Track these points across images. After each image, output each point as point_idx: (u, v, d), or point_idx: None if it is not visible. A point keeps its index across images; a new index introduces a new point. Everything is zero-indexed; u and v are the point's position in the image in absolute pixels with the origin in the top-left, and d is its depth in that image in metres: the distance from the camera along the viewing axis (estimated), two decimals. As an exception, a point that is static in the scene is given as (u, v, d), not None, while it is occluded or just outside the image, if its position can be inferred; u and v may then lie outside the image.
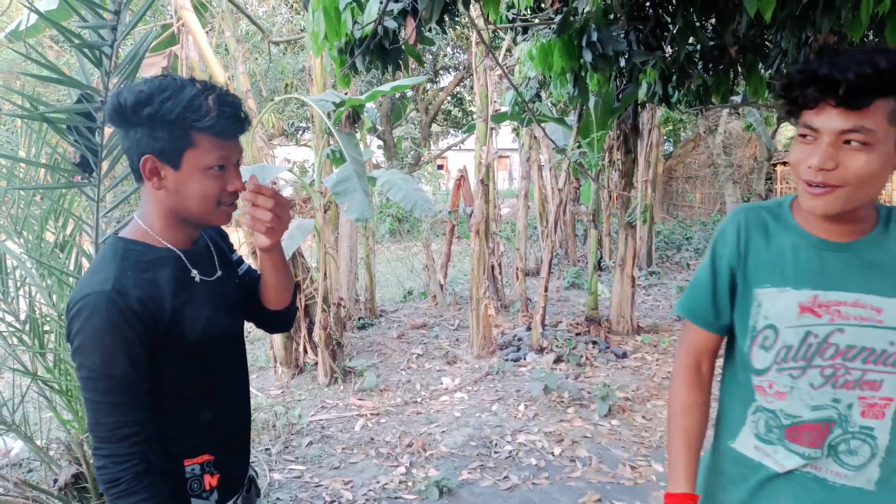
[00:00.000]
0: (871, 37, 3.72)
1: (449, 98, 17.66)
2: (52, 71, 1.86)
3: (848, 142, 1.05)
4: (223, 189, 1.24)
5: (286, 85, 13.64)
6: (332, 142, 5.29)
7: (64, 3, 1.91)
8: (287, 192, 6.14)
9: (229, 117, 1.19)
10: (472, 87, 16.64)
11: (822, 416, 1.18)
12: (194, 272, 1.30)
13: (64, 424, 2.51)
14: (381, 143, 16.10)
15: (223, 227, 1.51)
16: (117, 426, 1.15)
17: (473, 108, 18.57)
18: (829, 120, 1.05)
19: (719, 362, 1.38)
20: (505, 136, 14.79)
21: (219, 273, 1.37)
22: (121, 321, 1.14)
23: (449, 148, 18.81)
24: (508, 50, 7.85)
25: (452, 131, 20.84)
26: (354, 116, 5.33)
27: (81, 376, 1.17)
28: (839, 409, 1.17)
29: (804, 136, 1.10)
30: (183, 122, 1.16)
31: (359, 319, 7.09)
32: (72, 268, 2.52)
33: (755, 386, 1.25)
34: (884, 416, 1.16)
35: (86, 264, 2.59)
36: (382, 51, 2.36)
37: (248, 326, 1.57)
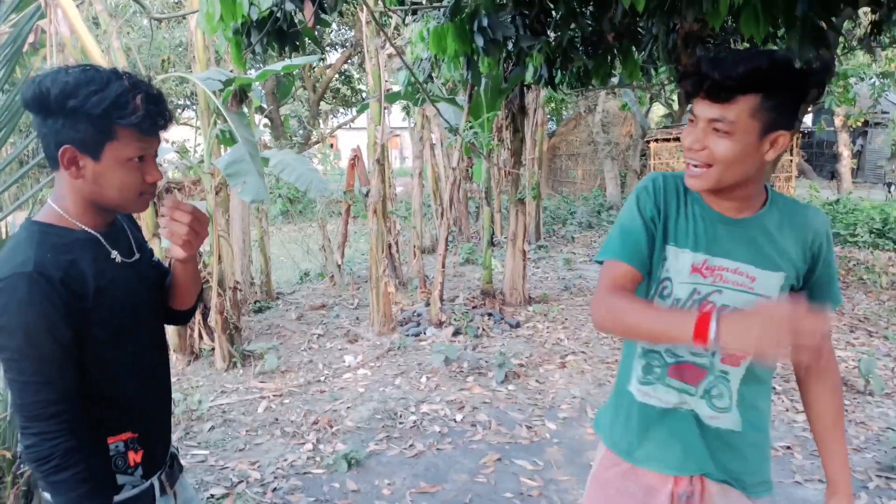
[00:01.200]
0: (730, 23, 4.11)
1: (337, 75, 17.41)
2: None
3: (716, 129, 1.23)
4: (142, 180, 1.26)
5: (163, 60, 12.95)
6: (220, 121, 5.16)
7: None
8: (173, 174, 5.91)
9: (154, 115, 1.22)
10: (360, 65, 16.49)
11: (698, 362, 1.37)
12: (114, 253, 1.32)
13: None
14: (267, 121, 15.66)
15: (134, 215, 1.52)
16: (45, 405, 1.17)
17: (363, 87, 18.43)
18: (702, 109, 1.25)
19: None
20: (396, 115, 14.83)
21: (136, 255, 1.39)
22: (44, 301, 1.15)
23: (339, 126, 18.58)
24: (396, 28, 7.90)
25: (342, 109, 20.57)
26: (242, 95, 5.21)
27: (5, 357, 1.17)
28: (708, 356, 1.36)
29: (691, 120, 1.29)
30: (107, 116, 1.17)
31: (255, 303, 6.98)
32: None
33: None
34: (739, 364, 1.36)
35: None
36: (280, 33, 2.38)
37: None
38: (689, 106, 1.31)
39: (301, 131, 16.97)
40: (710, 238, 1.35)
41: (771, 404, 1.50)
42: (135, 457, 1.34)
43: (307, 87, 16.61)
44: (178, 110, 15.45)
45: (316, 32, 2.49)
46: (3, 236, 2.40)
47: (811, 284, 1.39)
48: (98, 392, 1.28)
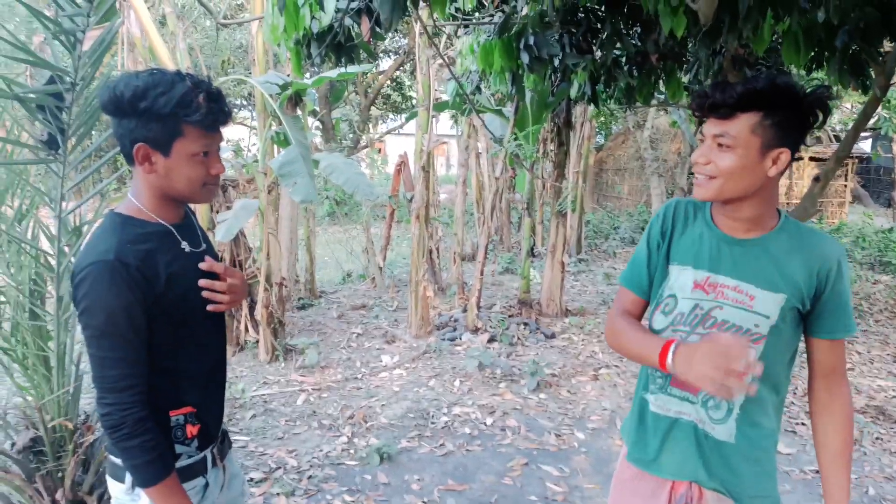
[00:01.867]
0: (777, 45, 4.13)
1: (388, 82, 17.71)
2: (27, 53, 1.97)
3: (720, 144, 1.35)
4: (207, 172, 1.40)
5: (223, 62, 13.41)
6: (275, 124, 5.39)
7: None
8: (229, 172, 6.17)
9: (216, 112, 1.35)
10: (412, 73, 16.74)
11: None
12: (184, 244, 1.45)
13: (21, 391, 2.61)
14: (319, 124, 16.04)
15: (193, 209, 1.68)
16: (121, 378, 1.30)
17: (413, 94, 18.68)
18: (708, 127, 1.37)
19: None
20: (443, 122, 15.01)
21: (203, 246, 1.53)
22: (122, 286, 1.29)
23: (388, 132, 18.85)
24: (448, 38, 8.07)
25: (391, 115, 20.89)
26: (297, 99, 5.44)
27: (87, 335, 1.31)
28: None
29: (701, 140, 1.42)
30: (175, 115, 1.29)
31: (299, 300, 7.21)
32: (30, 238, 2.61)
33: None
34: (741, 379, 1.40)
35: (42, 237, 2.68)
36: (338, 45, 2.54)
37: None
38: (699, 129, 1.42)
39: (351, 135, 17.30)
40: (713, 256, 1.44)
41: (780, 424, 1.53)
42: (192, 430, 1.47)
43: (359, 91, 16.94)
44: (235, 110, 15.96)
45: (370, 44, 2.66)
46: (78, 224, 2.62)
47: (818, 311, 1.42)
48: (164, 369, 1.41)
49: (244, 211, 4.87)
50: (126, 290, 1.29)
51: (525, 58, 3.03)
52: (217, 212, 5.29)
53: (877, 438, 3.99)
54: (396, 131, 18.01)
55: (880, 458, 3.74)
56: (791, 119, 1.32)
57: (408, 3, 1.91)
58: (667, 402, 1.50)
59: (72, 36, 1.95)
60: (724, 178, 1.35)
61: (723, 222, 1.46)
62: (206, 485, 1.51)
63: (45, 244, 2.67)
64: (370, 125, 19.45)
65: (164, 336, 1.40)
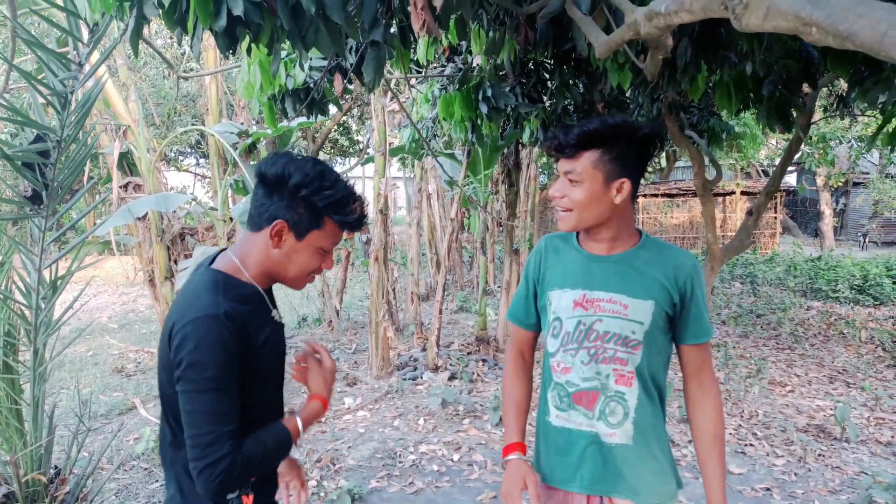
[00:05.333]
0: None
1: (336, 127, 17.92)
2: (17, 114, 2.04)
3: (571, 180, 1.53)
4: (319, 266, 1.44)
5: (168, 110, 13.37)
6: (234, 171, 5.47)
7: (38, 57, 2.09)
8: (187, 220, 6.18)
9: (360, 221, 1.42)
10: (359, 117, 16.98)
11: (591, 386, 1.59)
12: (275, 311, 1.47)
13: (-6, 447, 2.58)
14: (267, 170, 16.00)
15: None
16: (222, 432, 1.27)
17: (360, 138, 18.89)
18: (560, 165, 1.55)
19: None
20: (392, 166, 15.21)
21: (283, 318, 1.54)
22: (230, 342, 1.28)
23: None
24: (397, 85, 8.33)
25: (339, 159, 21.05)
26: (251, 147, 5.55)
27: (190, 390, 1.27)
28: (601, 379, 1.58)
29: (557, 177, 1.63)
30: (326, 210, 1.35)
31: (255, 346, 7.15)
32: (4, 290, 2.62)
33: (550, 366, 1.66)
34: (631, 384, 1.58)
35: (14, 290, 2.68)
36: (312, 101, 2.70)
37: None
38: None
39: (299, 180, 17.33)
40: (585, 275, 1.61)
41: (665, 423, 1.68)
42: (247, 500, 1.42)
43: (307, 137, 17.07)
44: (180, 157, 15.84)
45: (341, 98, 2.82)
46: (54, 277, 2.64)
47: (683, 317, 1.58)
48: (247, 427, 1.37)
49: (205, 258, 4.89)
50: (233, 345, 1.29)
51: (484, 108, 3.25)
52: (175, 260, 5.29)
53: (819, 455, 4.26)
54: (345, 175, 18.14)
55: (823, 474, 3.99)
56: (627, 153, 1.50)
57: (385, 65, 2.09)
58: (576, 416, 1.61)
59: (62, 97, 2.04)
60: (577, 210, 1.53)
61: (588, 244, 1.64)
62: None
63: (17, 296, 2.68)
64: (318, 169, 19.49)
65: (245, 400, 1.37)
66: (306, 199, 1.33)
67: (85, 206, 6.63)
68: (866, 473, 3.95)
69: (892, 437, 4.56)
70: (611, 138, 1.48)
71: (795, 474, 3.98)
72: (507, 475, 1.60)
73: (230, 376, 1.29)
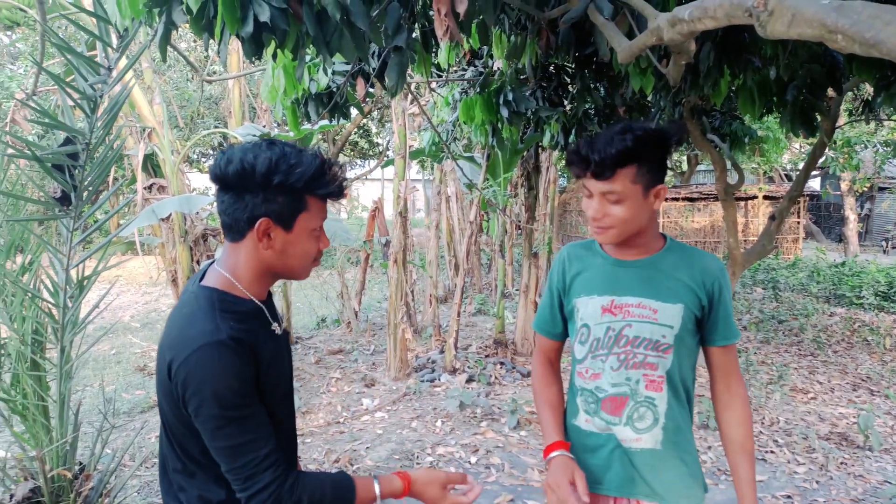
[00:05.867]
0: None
1: (356, 130, 18.03)
2: (48, 117, 2.09)
3: (609, 200, 1.50)
4: (318, 248, 1.33)
5: (192, 113, 13.55)
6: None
7: (67, 61, 2.14)
8: (210, 221, 6.26)
9: (341, 186, 1.30)
10: (380, 120, 17.07)
11: (620, 391, 1.59)
12: (274, 325, 1.35)
13: (20, 441, 2.64)
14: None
15: None
16: (260, 460, 1.19)
17: (380, 140, 18.99)
18: (593, 184, 1.51)
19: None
20: (411, 168, 15.27)
21: (283, 327, 1.43)
22: (241, 365, 1.18)
23: (357, 178, 19.08)
24: (417, 88, 8.37)
25: (359, 161, 21.18)
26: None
27: (211, 427, 1.17)
28: (630, 384, 1.58)
29: (588, 195, 1.55)
30: (306, 189, 1.23)
31: (275, 346, 7.21)
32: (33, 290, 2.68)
33: (577, 373, 1.67)
34: (661, 389, 1.58)
35: (42, 289, 2.74)
36: (334, 105, 2.73)
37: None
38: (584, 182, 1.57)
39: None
40: (613, 281, 1.60)
41: (692, 426, 1.69)
42: None
43: (327, 140, 17.20)
44: (203, 159, 16.04)
45: (363, 103, 2.85)
46: (81, 276, 2.69)
47: (712, 320, 1.60)
48: None
49: (226, 259, 4.95)
50: (245, 369, 1.19)
51: (505, 112, 3.27)
52: (198, 261, 5.36)
53: (841, 463, 4.20)
54: (364, 178, 18.26)
55: (846, 482, 3.94)
56: (661, 159, 1.52)
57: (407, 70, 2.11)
58: (601, 421, 1.62)
59: (91, 101, 2.09)
60: (621, 225, 1.52)
61: (615, 251, 1.63)
62: None
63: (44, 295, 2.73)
64: (338, 171, 19.64)
65: None
66: (282, 185, 1.21)
67: (110, 208, 6.75)
68: (890, 483, 3.89)
69: (918, 446, 4.49)
70: (646, 150, 1.47)
71: (817, 482, 3.94)
72: (554, 469, 1.55)
73: (251, 400, 1.20)
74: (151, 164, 5.76)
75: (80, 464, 2.87)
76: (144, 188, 5.40)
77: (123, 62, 3.35)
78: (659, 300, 1.56)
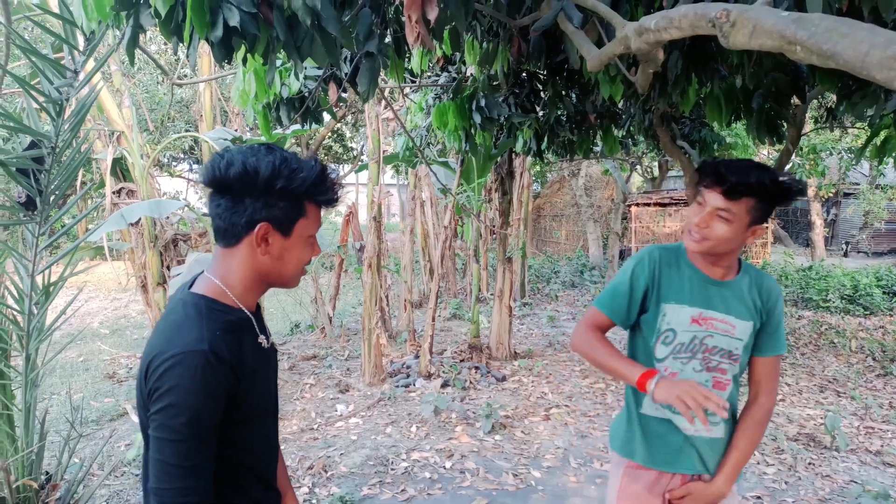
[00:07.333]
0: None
1: (329, 134, 17.94)
2: (12, 120, 2.05)
3: (720, 216, 1.67)
4: (310, 256, 1.31)
5: (162, 116, 13.36)
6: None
7: (32, 64, 2.10)
8: (181, 226, 6.18)
9: (336, 192, 1.29)
10: (354, 125, 17.02)
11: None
12: (262, 337, 1.32)
13: (-17, 453, 2.58)
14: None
15: None
16: (193, 491, 1.14)
17: (353, 145, 18.91)
18: (713, 198, 1.68)
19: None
20: (385, 173, 15.22)
21: (271, 340, 1.39)
22: (214, 383, 1.14)
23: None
24: (391, 93, 8.37)
25: (333, 166, 21.07)
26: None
27: (162, 437, 1.13)
28: (704, 384, 1.79)
29: (700, 203, 1.73)
30: (306, 195, 1.22)
31: (248, 352, 7.13)
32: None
33: (656, 369, 1.81)
34: (725, 389, 1.82)
35: (6, 295, 2.69)
36: (306, 109, 2.72)
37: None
38: (699, 192, 1.74)
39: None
40: (703, 296, 1.80)
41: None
42: None
43: (300, 144, 17.09)
44: (174, 163, 15.82)
45: (336, 107, 2.84)
46: (47, 282, 2.64)
47: (765, 332, 1.82)
48: (228, 469, 1.27)
49: (198, 265, 4.89)
50: (218, 387, 1.15)
51: (478, 118, 3.29)
52: (168, 266, 5.29)
53: (809, 464, 4.29)
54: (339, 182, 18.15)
55: (813, 482, 4.02)
56: (775, 205, 1.70)
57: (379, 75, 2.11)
58: (673, 415, 1.83)
59: (57, 104, 2.06)
60: (716, 242, 1.70)
61: (705, 267, 1.82)
62: None
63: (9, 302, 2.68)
64: (312, 175, 19.50)
65: (233, 434, 1.25)
66: (284, 190, 1.19)
67: (78, 212, 6.62)
68: (856, 482, 3.98)
69: (882, 446, 4.59)
70: (768, 192, 1.64)
71: (786, 483, 4.01)
72: (675, 382, 1.62)
73: (210, 424, 1.15)
74: (120, 168, 5.66)
75: (47, 473, 2.81)
76: (113, 192, 5.31)
77: (91, 65, 3.30)
78: (738, 318, 1.78)
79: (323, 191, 1.24)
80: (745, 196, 1.64)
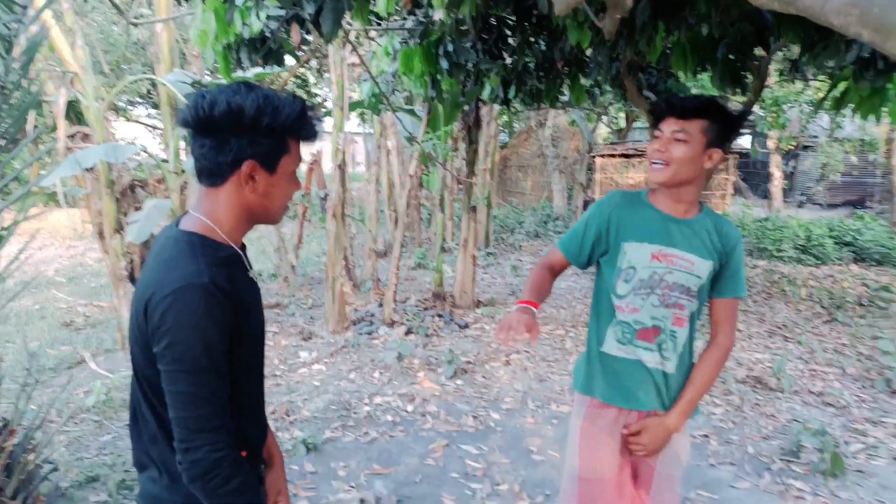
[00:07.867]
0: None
1: (293, 79, 17.46)
2: (-46, 54, 1.95)
3: (677, 139, 1.75)
4: (294, 190, 1.34)
5: (118, 58, 12.81)
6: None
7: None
8: (138, 172, 6.01)
9: (318, 128, 1.32)
10: (318, 70, 16.57)
11: (655, 324, 1.88)
12: (251, 271, 1.36)
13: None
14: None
15: None
16: (213, 416, 1.18)
17: (317, 91, 18.46)
18: (668, 125, 1.78)
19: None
20: (351, 121, 14.95)
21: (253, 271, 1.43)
22: (218, 313, 1.17)
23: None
24: (357, 37, 8.14)
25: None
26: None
27: (176, 370, 1.16)
28: (663, 320, 1.87)
29: (656, 136, 1.81)
30: (289, 132, 1.24)
31: (210, 300, 7.07)
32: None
33: (616, 306, 1.91)
34: (683, 325, 1.89)
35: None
36: (268, 51, 2.63)
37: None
38: (657, 127, 1.83)
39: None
40: (663, 233, 1.86)
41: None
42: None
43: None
44: (130, 107, 15.26)
45: (299, 50, 2.76)
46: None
47: (724, 275, 1.90)
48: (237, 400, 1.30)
49: (156, 211, 4.79)
50: (222, 317, 1.18)
51: (444, 63, 3.23)
52: (125, 213, 5.16)
53: (755, 404, 4.50)
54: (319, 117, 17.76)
55: (758, 421, 4.23)
56: (724, 129, 1.79)
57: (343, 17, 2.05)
58: (635, 350, 1.90)
59: (6, 41, 1.96)
60: (676, 164, 1.77)
61: (665, 205, 1.88)
62: None
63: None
64: (274, 122, 19.04)
65: (241, 366, 1.29)
66: (268, 128, 1.20)
67: (29, 157, 6.37)
68: (797, 421, 4.19)
69: (823, 387, 4.84)
70: (717, 114, 1.76)
71: (732, 422, 4.21)
72: (515, 314, 1.78)
73: (220, 353, 1.19)
74: (74, 112, 5.44)
75: (4, 419, 2.78)
76: (67, 136, 5.11)
77: (41, 1, 3.15)
78: (697, 255, 1.85)
79: (305, 126, 1.27)
80: (696, 117, 1.74)
